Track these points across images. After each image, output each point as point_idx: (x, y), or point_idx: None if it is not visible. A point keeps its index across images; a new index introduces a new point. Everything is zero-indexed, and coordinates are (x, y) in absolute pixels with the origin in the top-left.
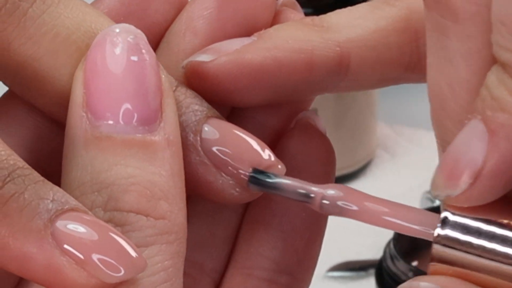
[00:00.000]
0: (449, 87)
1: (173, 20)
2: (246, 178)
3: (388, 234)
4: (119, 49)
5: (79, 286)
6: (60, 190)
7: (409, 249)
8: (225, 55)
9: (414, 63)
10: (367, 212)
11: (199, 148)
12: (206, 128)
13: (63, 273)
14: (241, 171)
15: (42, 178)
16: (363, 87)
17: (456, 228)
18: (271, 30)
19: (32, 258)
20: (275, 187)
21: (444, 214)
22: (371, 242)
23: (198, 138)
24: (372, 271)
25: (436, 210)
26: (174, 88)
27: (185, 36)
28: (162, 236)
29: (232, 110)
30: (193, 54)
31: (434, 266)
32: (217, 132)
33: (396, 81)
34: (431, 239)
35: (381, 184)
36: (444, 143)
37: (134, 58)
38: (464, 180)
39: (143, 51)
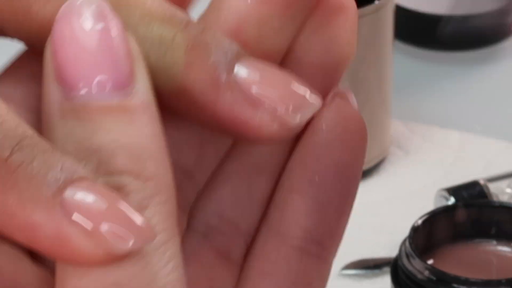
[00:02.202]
0: None
1: None
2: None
3: (404, 232)
4: (84, 18)
5: (87, 256)
6: (69, 159)
7: (425, 247)
8: None
9: None
10: None
11: (233, 87)
12: (238, 67)
13: (71, 243)
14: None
15: (51, 147)
16: None
17: None
18: None
19: (40, 227)
20: None
21: None
22: (387, 240)
23: (231, 78)
24: (387, 269)
25: (451, 208)
26: (201, 30)
27: None
28: (154, 197)
29: None
30: None
31: None
32: (251, 71)
33: None
34: None
35: (395, 181)
36: None
37: (100, 26)
38: None
39: (108, 18)
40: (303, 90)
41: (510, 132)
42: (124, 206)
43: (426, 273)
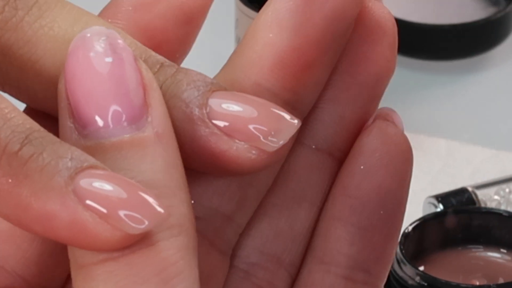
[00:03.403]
0: None
1: (176, 29)
2: (263, 140)
3: None
4: (93, 53)
5: (104, 240)
6: (78, 149)
7: (416, 253)
8: None
9: None
10: None
11: (207, 120)
12: (211, 101)
13: (87, 229)
14: (260, 135)
15: (59, 140)
16: None
17: None
18: None
19: (55, 215)
20: None
21: None
22: None
23: (204, 111)
24: None
25: (440, 214)
26: (174, 70)
27: (271, 28)
28: (165, 232)
29: None
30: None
31: None
32: (225, 102)
33: None
34: None
35: None
36: None
37: (109, 59)
38: None
39: (117, 50)
40: (281, 113)
41: (496, 140)
42: (142, 193)
43: (418, 279)
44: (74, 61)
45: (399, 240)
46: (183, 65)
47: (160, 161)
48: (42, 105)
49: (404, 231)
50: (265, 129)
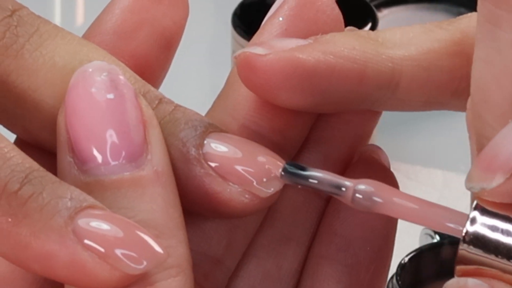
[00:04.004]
0: (495, 78)
1: (158, 55)
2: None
3: (391, 270)
4: (94, 89)
5: (103, 280)
6: (77, 189)
7: (413, 284)
8: (280, 52)
9: (462, 89)
10: (397, 207)
11: (202, 161)
12: (208, 142)
13: (86, 268)
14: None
15: (58, 179)
16: (408, 107)
17: (485, 228)
18: (327, 36)
19: (55, 255)
20: (308, 178)
21: (473, 213)
22: None
23: (201, 152)
24: None
25: (436, 246)
26: (173, 107)
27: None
28: (163, 272)
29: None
30: (248, 46)
31: (462, 268)
32: (222, 145)
33: (441, 106)
34: (458, 236)
35: None
36: (481, 138)
37: (110, 95)
38: (501, 174)
39: (119, 86)
40: (277, 161)
41: None
42: (140, 233)
43: None
44: (74, 96)
45: (395, 271)
46: (180, 98)
47: (160, 201)
48: (36, 136)
49: (400, 262)
50: (260, 174)
